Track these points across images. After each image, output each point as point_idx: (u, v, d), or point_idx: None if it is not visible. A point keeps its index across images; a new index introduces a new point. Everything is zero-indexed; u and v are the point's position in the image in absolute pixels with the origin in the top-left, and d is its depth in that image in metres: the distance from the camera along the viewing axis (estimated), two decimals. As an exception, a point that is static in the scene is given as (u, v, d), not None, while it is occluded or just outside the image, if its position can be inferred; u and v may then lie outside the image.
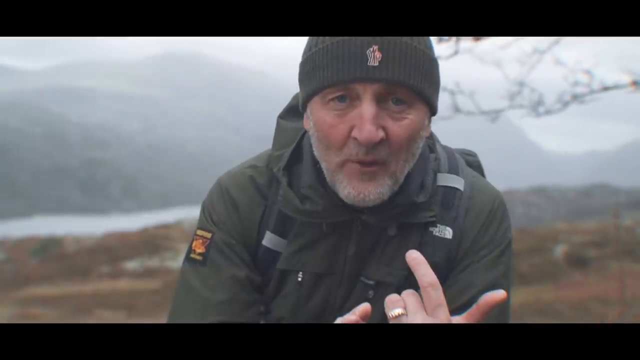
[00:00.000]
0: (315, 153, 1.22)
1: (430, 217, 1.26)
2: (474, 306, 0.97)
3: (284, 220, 1.30)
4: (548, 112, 4.40)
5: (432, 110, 1.21)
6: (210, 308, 1.27)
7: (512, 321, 1.30)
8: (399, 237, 1.27)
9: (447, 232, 1.27)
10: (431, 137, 1.35)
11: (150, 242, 24.89)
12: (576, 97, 4.20)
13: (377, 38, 1.11)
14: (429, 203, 1.27)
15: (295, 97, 1.35)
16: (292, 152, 1.31)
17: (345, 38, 1.12)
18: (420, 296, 0.98)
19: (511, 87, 4.32)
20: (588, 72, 4.08)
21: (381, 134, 1.12)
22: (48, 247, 26.43)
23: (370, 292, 1.27)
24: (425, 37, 1.17)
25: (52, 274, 21.70)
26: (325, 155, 1.19)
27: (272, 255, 1.31)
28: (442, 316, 0.95)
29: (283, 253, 1.30)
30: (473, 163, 1.45)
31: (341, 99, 1.14)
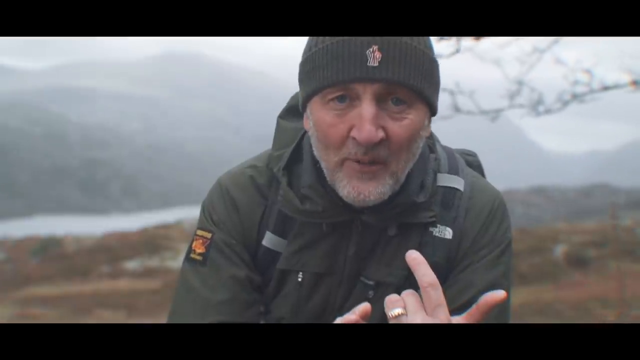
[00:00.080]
0: (315, 153, 1.22)
1: (430, 217, 1.26)
2: (474, 306, 0.97)
3: (284, 220, 1.30)
4: (548, 112, 4.40)
5: (432, 111, 1.21)
6: (210, 308, 1.27)
7: (512, 321, 1.30)
8: (399, 237, 1.27)
9: (447, 232, 1.27)
10: (431, 137, 1.35)
11: (150, 242, 24.88)
12: (576, 97, 4.20)
13: (377, 38, 1.11)
14: (429, 203, 1.27)
15: (295, 97, 1.35)
16: (292, 152, 1.31)
17: (345, 38, 1.12)
18: (420, 296, 0.98)
19: (511, 86, 4.32)
20: (588, 72, 4.08)
21: (381, 134, 1.12)
22: (48, 247, 26.42)
23: (370, 292, 1.27)
24: (425, 37, 1.17)
25: (52, 274, 21.69)
26: (325, 154, 1.19)
27: (272, 255, 1.31)
28: (442, 316, 0.95)
29: (283, 253, 1.30)
30: (473, 163, 1.45)
31: (341, 99, 1.14)
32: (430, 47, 1.18)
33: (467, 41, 3.82)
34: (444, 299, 0.97)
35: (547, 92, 4.46)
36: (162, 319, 1.43)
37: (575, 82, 4.13)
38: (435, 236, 1.27)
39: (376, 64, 1.10)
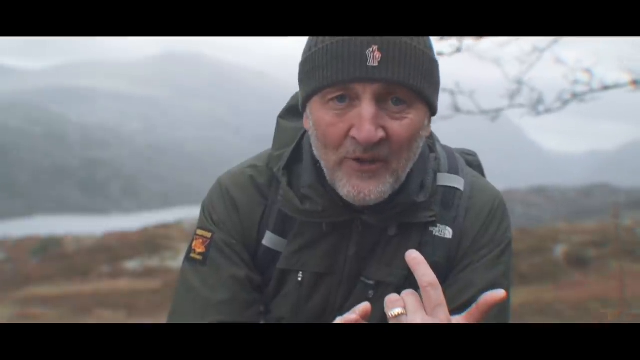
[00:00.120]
0: (315, 152, 1.22)
1: (430, 217, 1.26)
2: (474, 306, 0.97)
3: (284, 220, 1.30)
4: (548, 111, 4.40)
5: (432, 110, 1.21)
6: (210, 308, 1.27)
7: (512, 321, 1.30)
8: (399, 237, 1.27)
9: (447, 232, 1.27)
10: (431, 137, 1.35)
11: (150, 242, 24.88)
12: (576, 96, 4.20)
13: (377, 38, 1.11)
14: (429, 203, 1.27)
15: (295, 96, 1.35)
16: (292, 152, 1.31)
17: (345, 38, 1.12)
18: (420, 296, 0.98)
19: (511, 85, 4.32)
20: (588, 71, 4.08)
21: (381, 133, 1.12)
22: (48, 247, 26.42)
23: (371, 292, 1.27)
24: (425, 37, 1.17)
25: (52, 274, 21.69)
26: (324, 154, 1.19)
27: (272, 255, 1.31)
28: (442, 316, 0.95)
29: (283, 253, 1.30)
30: (473, 163, 1.45)
31: (341, 99, 1.14)
32: (430, 47, 1.18)
33: (467, 40, 3.82)
34: (443, 299, 0.97)
35: (547, 91, 4.46)
36: (162, 319, 1.43)
37: (575, 82, 4.13)
38: (435, 236, 1.27)
39: (376, 64, 1.10)
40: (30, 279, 20.96)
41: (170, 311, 1.33)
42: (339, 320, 0.98)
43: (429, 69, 1.16)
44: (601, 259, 17.17)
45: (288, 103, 1.38)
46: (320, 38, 1.15)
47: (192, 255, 1.32)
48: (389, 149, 1.15)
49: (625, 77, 4.03)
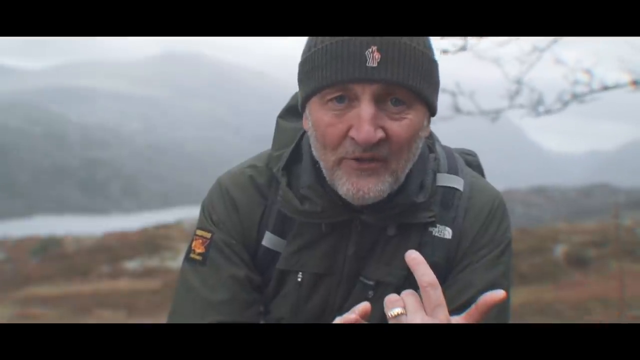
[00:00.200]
0: (314, 153, 1.22)
1: (430, 217, 1.26)
2: (473, 306, 0.97)
3: (284, 220, 1.30)
4: (548, 112, 4.40)
5: (432, 111, 1.21)
6: (210, 308, 1.27)
7: (512, 321, 1.30)
8: (398, 237, 1.27)
9: (447, 232, 1.27)
10: (431, 137, 1.35)
11: (150, 242, 24.87)
12: (576, 97, 4.20)
13: (377, 38, 1.11)
14: (429, 203, 1.26)
15: (295, 97, 1.35)
16: (292, 152, 1.31)
17: (345, 38, 1.12)
18: (420, 296, 0.98)
19: (510, 85, 4.31)
20: (588, 72, 4.08)
21: (380, 134, 1.12)
22: (48, 247, 26.41)
23: (370, 292, 1.27)
24: (424, 38, 1.17)
25: (52, 274, 21.69)
26: (323, 154, 1.19)
27: (272, 255, 1.31)
28: (442, 316, 0.95)
29: (282, 253, 1.30)
30: (472, 163, 1.45)
31: (340, 99, 1.14)
32: (429, 48, 1.18)
33: (469, 40, 3.81)
34: (443, 299, 0.97)
35: (547, 92, 4.46)
36: (162, 319, 1.43)
37: (575, 82, 4.13)
38: (434, 236, 1.27)
39: (375, 65, 1.10)
40: (30, 279, 20.96)
41: (170, 311, 1.33)
42: (338, 320, 0.98)
43: (428, 69, 1.16)
44: (601, 259, 17.17)
45: (288, 103, 1.38)
46: (320, 38, 1.15)
47: (192, 255, 1.32)
48: (388, 149, 1.15)
49: (625, 78, 4.04)
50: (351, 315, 0.97)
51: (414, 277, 0.98)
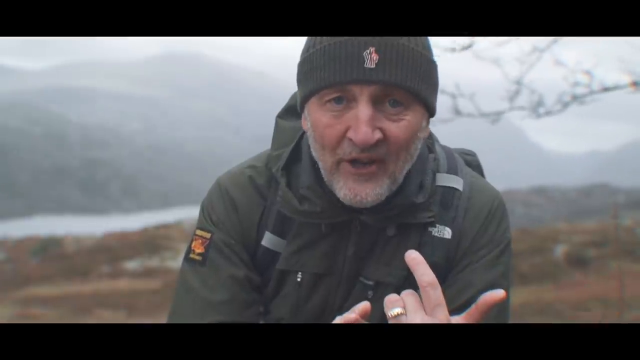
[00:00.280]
0: (313, 153, 1.22)
1: (429, 217, 1.26)
2: (473, 306, 0.97)
3: (283, 220, 1.30)
4: (548, 113, 4.39)
5: (430, 112, 1.21)
6: (209, 308, 1.27)
7: (512, 321, 1.30)
8: (398, 237, 1.27)
9: (446, 232, 1.27)
10: (430, 137, 1.35)
11: (150, 242, 24.88)
12: (576, 98, 4.19)
13: (375, 39, 1.11)
14: (428, 203, 1.27)
15: (294, 96, 1.35)
16: (291, 152, 1.31)
17: (343, 39, 1.12)
18: (420, 296, 0.98)
19: (510, 85, 4.31)
20: (588, 73, 4.07)
21: (377, 135, 1.12)
22: (48, 247, 26.42)
23: (370, 293, 1.27)
24: (423, 38, 1.17)
25: (52, 274, 21.68)
26: (321, 155, 1.19)
27: (272, 255, 1.31)
28: (441, 316, 0.95)
29: (282, 253, 1.30)
30: (472, 163, 1.44)
31: (338, 100, 1.14)
32: (428, 48, 1.18)
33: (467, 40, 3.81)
34: (443, 299, 0.97)
35: (547, 93, 4.45)
36: (162, 319, 1.43)
37: (575, 84, 4.13)
38: (434, 236, 1.27)
39: (373, 66, 1.10)
40: (30, 279, 20.95)
41: (170, 311, 1.33)
42: (338, 319, 0.98)
43: (427, 70, 1.16)
44: (601, 259, 17.16)
45: (287, 103, 1.38)
46: (319, 39, 1.15)
47: (192, 255, 1.32)
48: (387, 150, 1.15)
49: (625, 79, 4.03)
50: (351, 315, 0.97)
51: (413, 277, 0.98)
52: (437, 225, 1.28)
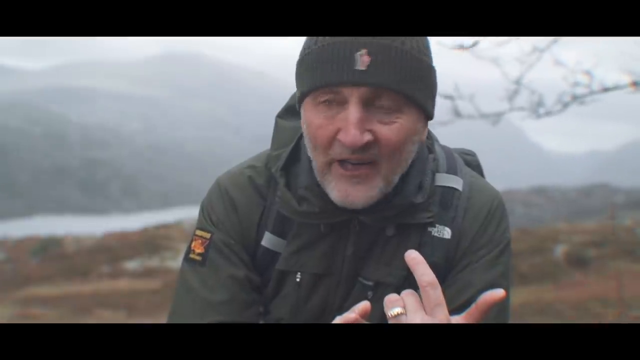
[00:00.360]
0: (308, 153, 1.23)
1: (428, 217, 1.26)
2: (473, 305, 0.97)
3: (283, 220, 1.30)
4: (548, 114, 4.39)
5: (427, 115, 1.21)
6: (209, 308, 1.27)
7: (512, 321, 1.30)
8: (397, 237, 1.27)
9: (446, 232, 1.27)
10: (430, 138, 1.35)
11: (150, 242, 24.88)
12: (576, 98, 4.19)
13: (368, 41, 1.11)
14: (427, 204, 1.26)
15: (294, 96, 1.34)
16: (290, 152, 1.31)
17: (336, 41, 1.12)
18: (420, 296, 0.98)
19: (510, 85, 4.30)
20: (588, 73, 4.07)
21: (367, 137, 1.12)
22: (48, 247, 26.42)
23: (370, 293, 1.27)
24: (421, 42, 1.16)
25: (52, 274, 21.68)
26: (315, 155, 1.20)
27: (272, 255, 1.31)
28: (441, 316, 0.95)
29: (282, 254, 1.30)
30: (472, 162, 1.44)
31: (330, 101, 1.14)
32: (424, 52, 1.16)
33: (470, 39, 3.80)
34: (443, 299, 0.97)
35: (547, 93, 4.45)
36: (162, 319, 1.43)
37: (575, 84, 4.12)
38: (434, 236, 1.27)
39: (364, 68, 1.10)
40: (30, 279, 20.95)
41: (170, 311, 1.33)
42: (338, 319, 0.98)
43: (421, 73, 1.15)
44: (601, 259, 17.17)
45: (287, 103, 1.38)
46: (315, 39, 1.16)
47: (191, 255, 1.32)
48: (378, 152, 1.15)
49: (625, 79, 4.03)
50: (351, 315, 0.97)
51: (413, 278, 0.98)
52: (437, 225, 1.27)
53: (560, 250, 19.02)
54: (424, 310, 0.96)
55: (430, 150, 1.33)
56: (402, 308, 0.97)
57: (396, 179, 1.20)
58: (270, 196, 1.32)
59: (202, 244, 1.31)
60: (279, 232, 1.31)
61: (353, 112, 1.11)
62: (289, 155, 1.31)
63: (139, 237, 26.57)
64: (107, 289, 18.96)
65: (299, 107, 1.23)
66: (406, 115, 1.15)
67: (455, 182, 1.31)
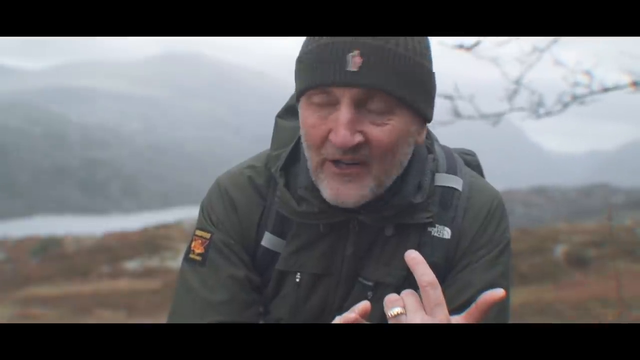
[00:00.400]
0: (304, 152, 1.23)
1: (427, 217, 1.26)
2: (473, 305, 0.97)
3: (283, 220, 1.30)
4: (548, 114, 4.38)
5: (423, 117, 1.20)
6: (209, 308, 1.27)
7: (512, 321, 1.30)
8: (397, 237, 1.27)
9: (446, 232, 1.27)
10: (429, 137, 1.35)
11: (150, 242, 24.89)
12: (576, 98, 4.19)
13: (361, 42, 1.11)
14: (426, 204, 1.26)
15: (293, 96, 1.34)
16: (290, 152, 1.31)
17: (331, 41, 1.12)
18: (419, 296, 0.98)
19: (510, 85, 4.30)
20: (588, 73, 4.07)
21: (358, 138, 1.13)
22: (48, 247, 26.43)
23: (369, 293, 1.27)
24: (417, 44, 1.15)
25: (52, 274, 21.69)
26: (308, 154, 1.20)
27: (271, 255, 1.31)
28: (441, 315, 0.95)
29: (281, 254, 1.30)
30: (472, 162, 1.44)
31: (323, 101, 1.15)
32: (420, 54, 1.16)
33: (471, 39, 3.80)
34: (443, 299, 0.97)
35: (547, 93, 4.45)
36: (162, 319, 1.44)
37: (575, 84, 4.12)
38: (433, 236, 1.27)
39: (355, 69, 1.10)
40: (30, 279, 20.96)
41: (170, 312, 1.33)
42: (338, 319, 0.98)
43: (415, 75, 1.14)
44: (601, 259, 17.17)
45: (287, 103, 1.38)
46: (312, 39, 1.16)
47: (191, 255, 1.32)
48: (369, 153, 1.15)
49: (625, 79, 4.03)
50: (351, 315, 0.97)
51: (413, 278, 0.98)
52: (437, 225, 1.27)
53: (560, 250, 19.03)
54: (424, 310, 0.96)
55: (430, 150, 1.33)
56: (402, 308, 0.97)
57: (389, 180, 1.19)
58: (270, 196, 1.32)
59: (202, 244, 1.31)
60: (279, 232, 1.31)
61: (344, 113, 1.12)
62: (288, 156, 1.31)
63: (139, 237, 26.58)
64: (107, 289, 18.97)
65: (298, 106, 1.24)
66: (398, 117, 1.15)
67: (455, 182, 1.31)
